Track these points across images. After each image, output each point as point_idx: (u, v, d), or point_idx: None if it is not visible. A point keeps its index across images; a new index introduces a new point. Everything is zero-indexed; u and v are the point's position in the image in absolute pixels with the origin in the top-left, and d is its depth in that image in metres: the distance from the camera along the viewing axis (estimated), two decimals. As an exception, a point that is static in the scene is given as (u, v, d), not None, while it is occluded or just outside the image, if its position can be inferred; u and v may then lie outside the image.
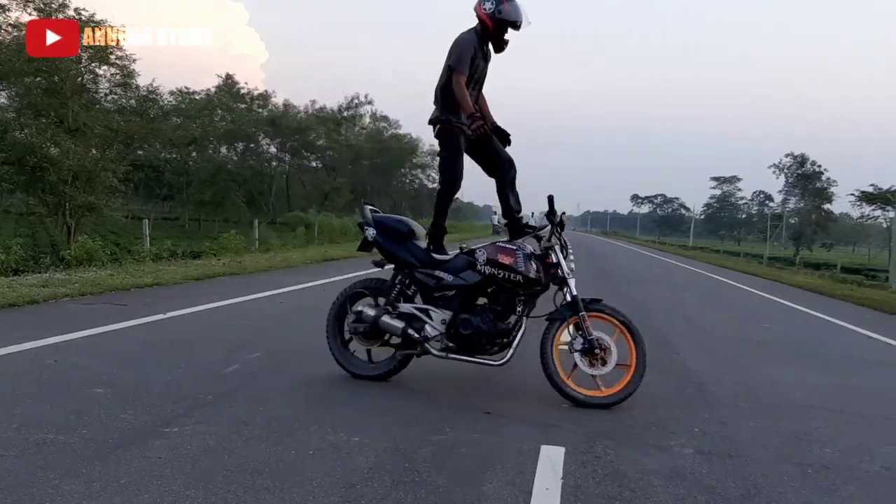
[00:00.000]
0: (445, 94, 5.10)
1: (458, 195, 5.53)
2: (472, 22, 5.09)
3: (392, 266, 5.07)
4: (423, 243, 5.06)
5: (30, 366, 4.88)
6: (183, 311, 7.41)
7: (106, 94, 28.72)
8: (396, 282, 4.99)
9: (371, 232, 5.01)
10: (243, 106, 48.67)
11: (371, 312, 4.89)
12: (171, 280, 10.07)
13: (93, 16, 24.64)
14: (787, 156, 73.19)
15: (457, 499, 3.02)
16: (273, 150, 53.03)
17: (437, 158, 5.32)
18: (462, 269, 4.80)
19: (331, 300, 5.23)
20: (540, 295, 4.84)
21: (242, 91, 49.60)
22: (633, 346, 4.67)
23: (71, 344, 5.58)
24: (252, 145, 50.39)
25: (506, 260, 4.63)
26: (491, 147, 5.25)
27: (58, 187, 21.94)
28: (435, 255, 4.98)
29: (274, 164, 53.47)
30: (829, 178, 70.36)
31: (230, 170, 45.06)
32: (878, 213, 53.74)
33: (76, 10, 24.80)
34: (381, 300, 5.02)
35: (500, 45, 5.22)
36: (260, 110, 50.29)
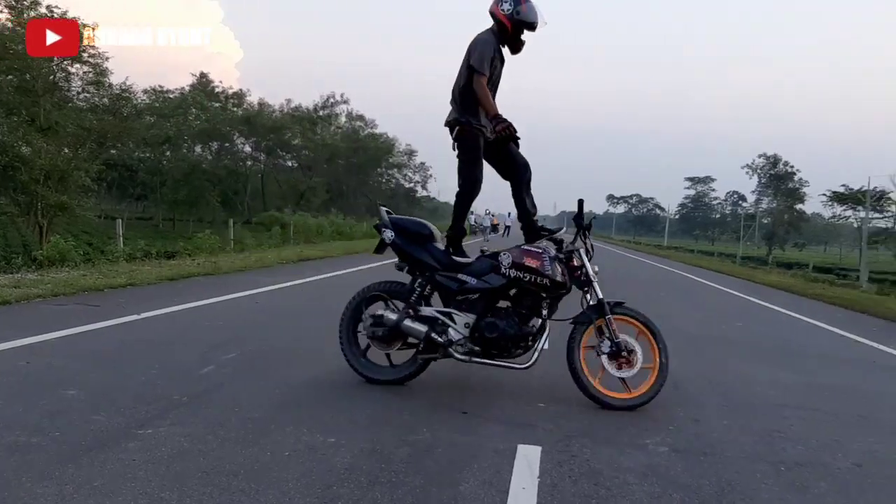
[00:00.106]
0: (465, 95, 5.06)
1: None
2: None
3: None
4: (441, 245, 5.03)
5: (2, 367, 4.81)
6: (157, 311, 7.35)
7: (78, 93, 28.44)
8: (416, 285, 4.94)
9: (389, 234, 4.94)
10: (218, 105, 48.32)
11: (392, 316, 4.82)
12: (145, 280, 9.97)
13: (65, 13, 24.36)
14: (760, 156, 74.19)
15: (433, 499, 3.02)
16: (248, 149, 52.67)
17: (457, 161, 5.19)
18: (485, 272, 4.78)
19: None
20: (562, 298, 4.86)
21: (217, 90, 49.25)
22: (655, 348, 4.75)
23: (44, 345, 5.52)
24: (227, 144, 49.99)
25: (532, 263, 4.64)
26: (507, 149, 5.24)
27: (29, 187, 21.65)
28: (456, 258, 4.95)
29: (249, 163, 53.10)
30: (801, 179, 71.40)
31: (205, 169, 44.70)
32: (849, 213, 54.43)
33: (48, 7, 24.56)
34: (398, 303, 4.97)
35: (517, 47, 5.21)
36: (235, 109, 49.94)
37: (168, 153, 43.96)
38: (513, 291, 4.84)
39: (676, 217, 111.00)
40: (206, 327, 6.75)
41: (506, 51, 5.19)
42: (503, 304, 4.88)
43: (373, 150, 61.03)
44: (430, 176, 70.24)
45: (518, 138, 5.12)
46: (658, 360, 4.73)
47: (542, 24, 5.10)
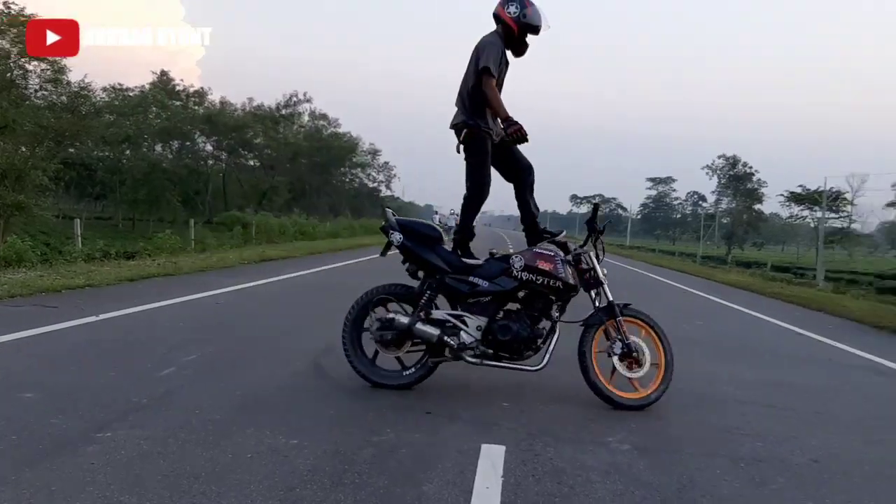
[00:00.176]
0: (474, 97, 5.06)
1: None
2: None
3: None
4: (448, 248, 5.01)
5: (-46, 371, 4.70)
6: (116, 312, 7.23)
7: (36, 90, 27.86)
8: (426, 287, 4.91)
9: (398, 236, 4.85)
10: (179, 103, 47.59)
11: (404, 320, 4.77)
12: (103, 281, 9.80)
13: (23, 10, 23.93)
14: (719, 157, 75.12)
15: (397, 500, 3.01)
16: (209, 148, 51.95)
17: (466, 164, 5.21)
18: (496, 274, 4.79)
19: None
20: (571, 300, 4.90)
21: (178, 88, 48.57)
22: (661, 348, 4.92)
23: (0, 347, 5.41)
24: (188, 143, 49.24)
25: (545, 266, 4.68)
26: (510, 152, 5.25)
27: (-15, 186, 21.18)
28: (466, 261, 4.94)
29: (210, 162, 52.38)
30: (759, 180, 72.50)
31: (165, 168, 44.00)
32: (805, 213, 55.72)
33: (4, 3, 24.09)
34: (405, 306, 4.94)
35: (521, 50, 5.24)
36: (196, 108, 49.21)
37: (128, 152, 43.18)
38: (521, 294, 4.87)
39: (638, 217, 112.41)
40: (167, 328, 6.66)
41: (508, 53, 5.21)
42: (511, 306, 4.91)
43: (336, 149, 60.68)
44: (395, 175, 70.27)
45: (528, 141, 5.09)
46: (664, 359, 4.87)
47: (546, 27, 5.14)
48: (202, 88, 50.58)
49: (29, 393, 4.22)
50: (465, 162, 5.21)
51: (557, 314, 4.84)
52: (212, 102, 51.17)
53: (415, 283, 5.01)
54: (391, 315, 4.82)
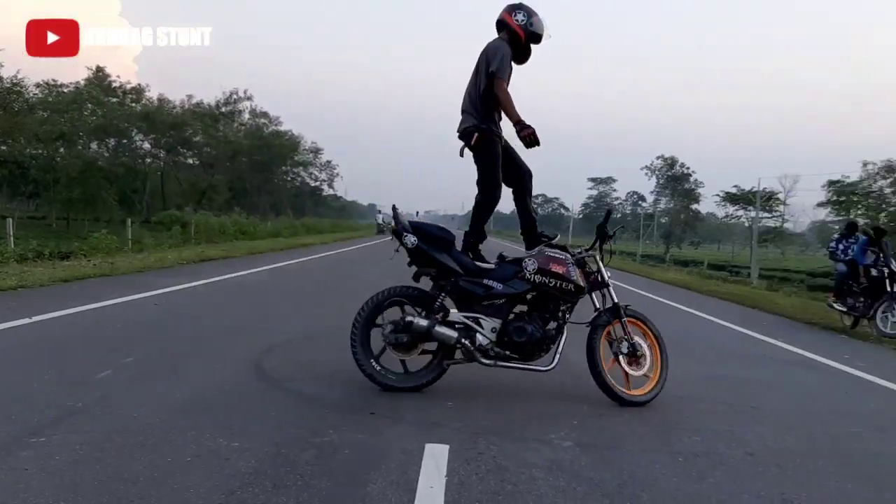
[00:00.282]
0: (486, 101, 5.08)
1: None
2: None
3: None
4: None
5: None
6: (51, 314, 7.04)
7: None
8: (439, 290, 4.91)
9: (412, 239, 4.81)
10: (115, 100, 46.46)
11: (423, 322, 4.75)
12: (37, 282, 9.56)
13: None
14: (658, 158, 76.67)
15: (341, 501, 3.00)
16: (147, 146, 50.77)
17: (477, 169, 5.26)
18: (509, 277, 4.86)
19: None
20: (578, 301, 5.01)
21: (114, 84, 47.39)
22: (657, 346, 5.18)
23: (-76, 352, 5.21)
24: (125, 141, 48.07)
25: (558, 269, 4.79)
26: (512, 157, 5.30)
27: None
28: (479, 264, 4.97)
29: (148, 160, 51.13)
30: (696, 180, 74.41)
31: (101, 167, 42.86)
32: (740, 212, 57.42)
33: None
34: (418, 309, 4.92)
35: (525, 58, 5.30)
36: (133, 105, 48.05)
37: (62, 150, 42.06)
38: (530, 296, 4.94)
39: (580, 217, 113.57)
40: (104, 330, 6.52)
41: None
42: (518, 308, 5.00)
43: (277, 147, 59.93)
44: (337, 175, 69.75)
45: (540, 144, 5.09)
46: (661, 357, 5.13)
47: (547, 37, 5.24)
48: (139, 85, 49.45)
49: (-43, 398, 4.08)
50: (475, 166, 5.27)
51: (568, 315, 4.97)
52: (149, 99, 50.02)
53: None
54: (409, 317, 4.81)
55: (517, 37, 5.15)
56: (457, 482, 3.29)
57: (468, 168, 5.30)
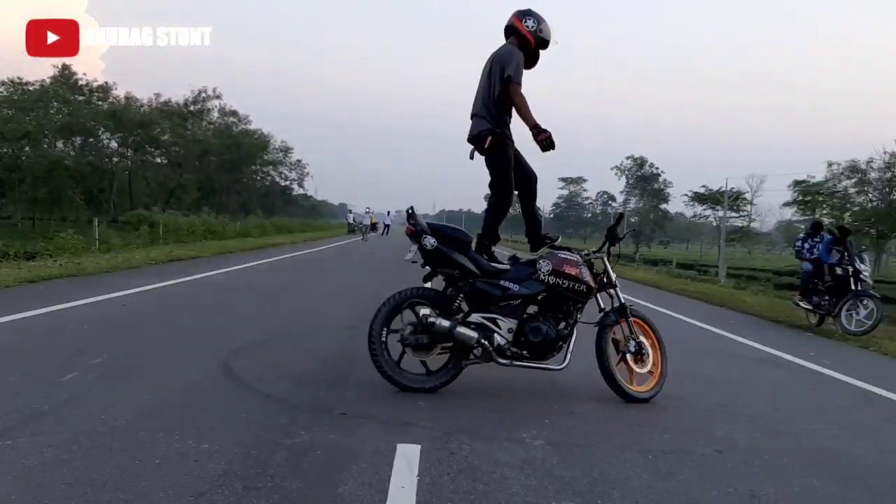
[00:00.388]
0: (500, 105, 5.11)
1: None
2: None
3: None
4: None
5: None
6: (15, 315, 6.92)
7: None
8: (456, 291, 4.95)
9: (431, 240, 4.82)
10: (81, 98, 45.82)
11: (445, 323, 4.75)
12: (1, 283, 9.41)
13: None
14: (627, 158, 77.22)
15: (312, 502, 2.98)
16: (114, 145, 50.07)
17: (489, 176, 5.33)
18: (524, 278, 4.92)
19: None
20: (587, 301, 5.12)
21: (81, 82, 46.72)
22: (657, 345, 5.35)
23: None
24: (91, 140, 47.39)
25: (572, 271, 4.90)
26: (519, 161, 5.33)
27: None
28: (494, 265, 5.00)
29: (115, 159, 50.41)
30: (665, 180, 74.98)
31: (67, 166, 42.25)
32: (708, 212, 58.03)
33: None
34: (436, 311, 4.88)
35: (533, 64, 5.34)
36: (100, 103, 47.38)
37: (27, 149, 41.43)
38: (541, 296, 5.00)
39: (551, 216, 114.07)
40: (70, 331, 6.43)
41: None
42: (530, 309, 5.06)
43: (247, 146, 59.40)
44: (307, 174, 69.33)
45: (555, 148, 5.10)
46: (661, 356, 5.29)
47: (553, 43, 5.30)
48: (106, 83, 48.78)
49: (-81, 401, 4.00)
50: (488, 169, 5.33)
51: (579, 315, 5.07)
52: (117, 98, 49.33)
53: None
54: (431, 319, 4.79)
55: (527, 42, 5.22)
56: (428, 482, 3.29)
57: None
